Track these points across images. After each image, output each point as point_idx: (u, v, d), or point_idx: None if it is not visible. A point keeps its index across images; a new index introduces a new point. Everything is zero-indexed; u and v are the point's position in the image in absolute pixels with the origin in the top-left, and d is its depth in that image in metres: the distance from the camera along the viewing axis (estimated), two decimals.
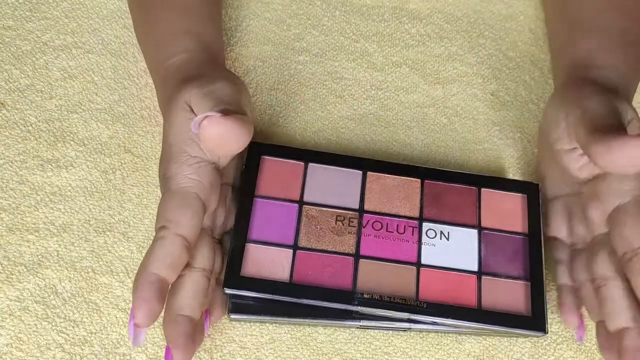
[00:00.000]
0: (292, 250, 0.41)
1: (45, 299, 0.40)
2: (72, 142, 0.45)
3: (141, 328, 0.34)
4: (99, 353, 0.39)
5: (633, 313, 0.37)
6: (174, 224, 0.35)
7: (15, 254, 0.41)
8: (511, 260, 0.42)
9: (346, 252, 0.41)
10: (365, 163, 0.44)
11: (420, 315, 0.39)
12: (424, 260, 0.41)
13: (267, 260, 0.40)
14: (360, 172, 0.44)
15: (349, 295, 0.39)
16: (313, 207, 0.42)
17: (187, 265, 0.37)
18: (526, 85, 0.52)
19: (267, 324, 0.41)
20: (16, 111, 0.45)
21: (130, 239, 0.42)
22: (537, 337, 0.41)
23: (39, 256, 0.41)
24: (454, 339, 0.42)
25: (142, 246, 0.42)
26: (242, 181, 0.42)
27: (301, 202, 0.42)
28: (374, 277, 0.40)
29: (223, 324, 0.41)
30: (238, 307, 0.40)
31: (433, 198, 0.43)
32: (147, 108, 0.47)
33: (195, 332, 0.36)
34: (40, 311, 0.39)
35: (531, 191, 0.44)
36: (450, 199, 0.44)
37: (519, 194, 0.44)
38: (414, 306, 0.39)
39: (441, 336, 0.42)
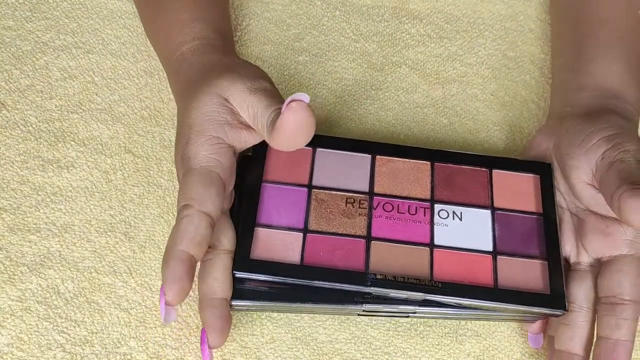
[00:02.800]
0: (302, 234, 0.40)
1: (47, 299, 0.40)
2: (72, 143, 0.45)
3: (172, 306, 0.34)
4: (99, 353, 0.39)
5: (584, 344, 0.39)
6: (198, 202, 0.35)
7: (17, 254, 0.41)
8: (526, 239, 0.41)
9: (357, 234, 0.40)
10: (374, 147, 0.43)
11: (436, 296, 0.38)
12: (437, 241, 0.40)
13: (276, 244, 0.39)
14: (369, 155, 0.43)
15: (361, 276, 0.38)
16: (322, 190, 0.41)
17: (212, 248, 0.37)
18: (526, 85, 0.52)
19: (267, 324, 0.41)
20: (16, 111, 0.45)
21: (131, 239, 0.42)
22: (557, 315, 0.40)
23: (41, 256, 0.41)
24: (454, 339, 0.42)
25: (144, 246, 0.42)
26: (249, 167, 0.41)
27: (310, 186, 0.41)
28: (386, 258, 0.39)
29: None
30: (238, 293, 0.39)
31: (444, 180, 0.43)
32: (147, 108, 0.47)
33: (229, 315, 0.36)
34: (41, 311, 0.39)
35: (544, 171, 0.43)
36: (461, 181, 0.43)
37: (532, 175, 0.43)
38: (429, 286, 0.38)
39: (441, 336, 0.42)
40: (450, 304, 0.39)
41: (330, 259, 0.39)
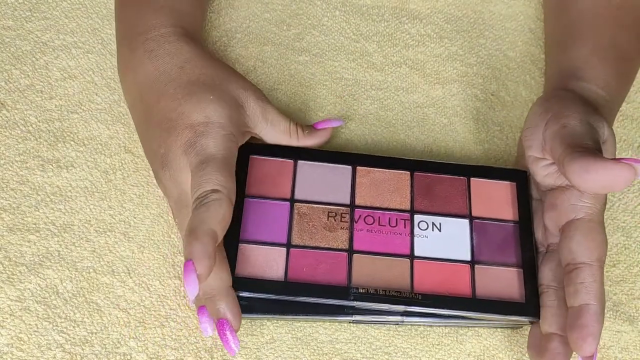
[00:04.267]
0: (285, 249, 0.40)
1: (46, 299, 0.40)
2: (72, 142, 0.45)
3: (199, 282, 0.34)
4: (99, 353, 0.39)
5: (562, 322, 0.38)
6: (227, 189, 0.36)
7: (16, 254, 0.41)
8: (503, 248, 0.42)
9: (339, 247, 0.41)
10: (354, 158, 0.44)
11: (416, 307, 0.39)
12: (417, 252, 0.41)
13: (260, 260, 0.40)
14: (350, 167, 0.44)
15: (344, 290, 0.39)
16: (304, 204, 0.42)
17: (215, 192, 0.37)
18: (526, 85, 0.52)
19: (267, 324, 0.41)
20: (16, 111, 0.45)
21: (131, 239, 0.42)
22: (532, 322, 0.41)
23: (40, 256, 0.41)
24: (455, 338, 0.42)
25: (143, 246, 0.42)
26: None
27: (292, 200, 0.42)
28: (368, 271, 0.40)
29: None
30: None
31: (423, 189, 0.44)
32: None
33: (215, 252, 0.35)
34: (41, 311, 0.39)
35: (520, 179, 0.44)
36: (440, 190, 0.44)
37: (508, 182, 0.44)
38: (410, 298, 0.39)
39: (441, 336, 0.42)
40: (430, 314, 0.41)
41: (314, 273, 0.40)
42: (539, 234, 0.43)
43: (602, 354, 0.42)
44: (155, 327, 0.40)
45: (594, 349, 0.36)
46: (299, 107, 0.49)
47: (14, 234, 0.41)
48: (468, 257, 0.42)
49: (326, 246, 0.41)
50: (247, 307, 0.40)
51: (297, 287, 0.39)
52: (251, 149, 0.43)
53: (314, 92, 0.49)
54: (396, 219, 0.42)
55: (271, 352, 0.40)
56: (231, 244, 0.40)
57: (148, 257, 0.42)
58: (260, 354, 0.40)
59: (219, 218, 0.35)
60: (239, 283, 0.39)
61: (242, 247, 0.40)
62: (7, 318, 0.39)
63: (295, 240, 0.41)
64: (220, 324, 0.37)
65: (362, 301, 0.39)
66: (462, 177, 0.44)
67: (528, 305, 0.40)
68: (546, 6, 0.53)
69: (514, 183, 0.44)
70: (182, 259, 0.42)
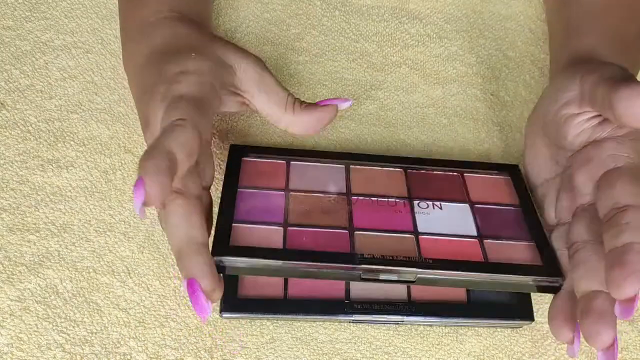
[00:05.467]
0: (282, 228, 0.39)
1: (46, 299, 0.40)
2: (72, 142, 0.45)
3: (149, 201, 0.30)
4: (99, 353, 0.39)
5: (602, 277, 0.34)
6: (193, 120, 0.34)
7: (16, 254, 0.41)
8: (509, 226, 0.42)
9: (339, 225, 0.40)
10: (347, 156, 0.44)
11: (428, 270, 0.37)
12: (420, 228, 0.40)
13: (256, 235, 0.38)
14: (343, 165, 0.44)
15: (349, 256, 0.37)
16: (300, 193, 0.42)
17: (180, 193, 0.35)
18: (526, 85, 0.52)
19: (267, 324, 0.41)
20: (16, 111, 0.45)
21: (131, 239, 0.42)
22: (555, 286, 0.39)
23: (40, 256, 0.41)
24: (454, 338, 0.42)
25: (143, 246, 0.42)
26: (224, 180, 0.41)
27: (287, 190, 0.42)
28: (371, 246, 0.39)
29: (224, 324, 0.41)
30: (230, 306, 0.40)
31: (418, 183, 0.44)
32: None
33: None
34: (41, 311, 0.39)
35: (513, 171, 0.45)
36: (435, 184, 0.44)
37: (502, 176, 0.45)
38: (420, 262, 0.37)
39: (441, 336, 0.42)
40: (443, 281, 0.38)
41: (315, 244, 0.38)
42: (551, 213, 0.42)
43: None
44: (155, 327, 0.40)
45: (636, 289, 0.32)
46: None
47: (14, 234, 0.41)
48: (475, 233, 0.41)
49: (325, 224, 0.39)
50: (247, 307, 0.40)
51: (297, 254, 0.37)
52: (243, 152, 0.43)
53: (314, 92, 0.49)
54: (395, 201, 0.42)
55: (271, 351, 0.40)
56: (224, 223, 0.38)
57: (148, 257, 0.42)
58: (260, 353, 0.40)
59: (179, 140, 0.32)
60: (235, 250, 0.36)
61: (236, 226, 0.38)
62: (7, 318, 0.39)
63: (293, 220, 0.39)
64: (189, 284, 0.33)
65: (370, 264, 0.37)
66: (455, 173, 0.45)
67: (548, 266, 0.39)
68: (547, 2, 0.53)
69: (508, 177, 0.45)
70: None
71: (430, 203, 0.42)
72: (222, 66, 0.40)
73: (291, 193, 0.41)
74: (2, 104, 0.45)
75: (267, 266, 0.36)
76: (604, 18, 0.46)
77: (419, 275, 0.37)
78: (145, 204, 0.30)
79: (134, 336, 0.39)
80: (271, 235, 0.38)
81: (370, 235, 0.39)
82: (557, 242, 0.41)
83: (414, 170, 0.44)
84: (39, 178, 0.43)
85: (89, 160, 0.44)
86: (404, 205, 0.42)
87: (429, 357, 0.41)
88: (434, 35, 0.53)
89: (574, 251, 0.38)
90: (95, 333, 0.39)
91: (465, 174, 0.44)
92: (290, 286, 0.40)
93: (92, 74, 0.47)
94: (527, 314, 0.41)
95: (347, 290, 0.41)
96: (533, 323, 0.42)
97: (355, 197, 0.42)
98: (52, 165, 0.44)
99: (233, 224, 0.39)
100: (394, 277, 0.37)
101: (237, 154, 0.43)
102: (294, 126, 0.42)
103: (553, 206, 0.42)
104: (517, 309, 0.41)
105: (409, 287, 0.41)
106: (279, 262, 0.36)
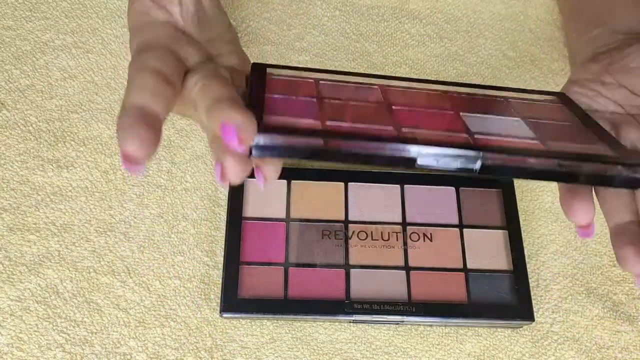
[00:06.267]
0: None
1: (46, 299, 0.40)
2: (72, 142, 0.45)
3: (136, 160, 0.29)
4: (99, 353, 0.39)
5: None
6: (139, 67, 0.32)
7: (16, 254, 0.41)
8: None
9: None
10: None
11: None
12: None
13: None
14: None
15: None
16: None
17: (204, 77, 0.33)
18: (526, 86, 0.52)
19: (267, 324, 0.41)
20: (16, 111, 0.45)
21: (131, 239, 0.42)
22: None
23: (40, 256, 0.41)
24: (455, 338, 0.42)
25: (143, 246, 0.42)
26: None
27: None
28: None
29: (223, 324, 0.41)
30: (230, 306, 0.40)
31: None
32: None
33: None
34: (41, 311, 0.39)
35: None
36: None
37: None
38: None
39: (441, 336, 0.42)
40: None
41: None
42: (632, 137, 0.37)
43: (602, 354, 0.42)
44: (155, 327, 0.40)
45: None
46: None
47: (14, 234, 0.41)
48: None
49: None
50: (247, 307, 0.40)
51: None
52: (265, 69, 0.38)
53: None
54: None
55: (271, 351, 0.40)
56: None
57: (148, 257, 0.42)
58: (260, 353, 0.40)
59: (138, 86, 0.31)
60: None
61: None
62: (7, 318, 0.39)
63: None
64: (222, 126, 0.29)
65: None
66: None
67: (521, 309, 0.42)
68: None
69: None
70: (182, 258, 0.42)
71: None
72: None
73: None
74: (2, 104, 0.45)
75: (307, 145, 0.30)
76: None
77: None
78: (128, 160, 0.29)
79: (134, 336, 0.39)
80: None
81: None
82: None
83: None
84: (39, 178, 0.43)
85: (89, 160, 0.44)
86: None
87: (429, 357, 0.41)
88: (434, 36, 0.53)
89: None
90: (95, 333, 0.39)
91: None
92: (290, 286, 0.41)
93: (92, 74, 0.47)
94: (527, 314, 0.41)
95: (347, 290, 0.41)
96: (533, 323, 0.42)
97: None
98: (52, 165, 0.44)
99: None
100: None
101: (260, 70, 0.36)
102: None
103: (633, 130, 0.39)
104: (517, 309, 0.41)
105: (409, 288, 0.41)
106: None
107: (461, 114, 0.35)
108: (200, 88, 0.32)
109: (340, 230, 0.43)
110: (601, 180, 0.31)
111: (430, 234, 0.44)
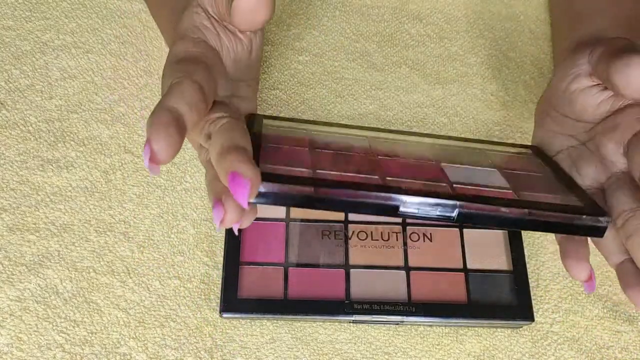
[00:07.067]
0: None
1: (46, 299, 0.40)
2: (72, 142, 0.45)
3: (157, 158, 0.30)
4: (99, 353, 0.39)
5: None
6: (188, 73, 0.33)
7: (16, 254, 0.41)
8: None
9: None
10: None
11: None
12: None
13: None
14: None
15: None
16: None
17: (221, 118, 0.34)
18: (526, 86, 0.52)
19: (267, 324, 0.41)
20: (16, 111, 0.45)
21: (130, 239, 0.42)
22: (602, 226, 0.37)
23: (40, 256, 0.41)
24: (455, 338, 0.42)
25: (143, 246, 0.42)
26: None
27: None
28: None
29: (223, 324, 0.41)
30: (230, 306, 0.40)
31: (447, 154, 0.43)
32: (147, 108, 0.47)
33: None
34: (41, 311, 0.39)
35: (534, 149, 0.44)
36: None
37: (525, 154, 0.44)
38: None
39: (441, 336, 0.42)
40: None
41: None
42: (589, 172, 0.40)
43: (602, 354, 0.42)
44: (155, 327, 0.40)
45: None
46: (298, 106, 0.49)
47: (14, 234, 0.41)
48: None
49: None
50: (247, 307, 0.40)
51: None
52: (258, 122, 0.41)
53: (314, 92, 0.49)
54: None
55: (271, 351, 0.40)
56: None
57: (147, 257, 0.42)
58: (260, 353, 0.40)
59: (178, 94, 0.32)
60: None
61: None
62: (7, 318, 0.39)
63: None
64: (231, 176, 0.30)
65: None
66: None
67: (521, 309, 0.41)
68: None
69: (532, 154, 0.44)
70: (182, 258, 0.42)
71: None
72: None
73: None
74: (2, 104, 0.45)
75: (299, 194, 0.33)
76: (616, 5, 0.46)
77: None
78: (153, 160, 0.30)
79: (134, 336, 0.39)
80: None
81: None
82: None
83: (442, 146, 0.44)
84: (39, 178, 0.43)
85: (89, 160, 0.44)
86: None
87: (429, 357, 0.41)
88: (434, 36, 0.53)
89: (623, 220, 0.37)
90: (95, 333, 0.39)
91: (487, 151, 0.44)
92: (290, 286, 0.41)
93: (92, 74, 0.47)
94: (527, 314, 0.41)
95: (347, 291, 0.41)
96: (533, 323, 0.42)
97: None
98: (52, 165, 0.44)
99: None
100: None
101: (256, 121, 0.40)
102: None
103: (571, 172, 0.41)
104: (517, 309, 0.41)
105: (409, 288, 0.41)
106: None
107: (442, 164, 0.38)
108: (223, 125, 0.33)
109: (340, 230, 0.43)
110: (568, 230, 0.35)
111: (430, 234, 0.43)
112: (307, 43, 0.51)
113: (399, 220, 0.44)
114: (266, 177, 0.32)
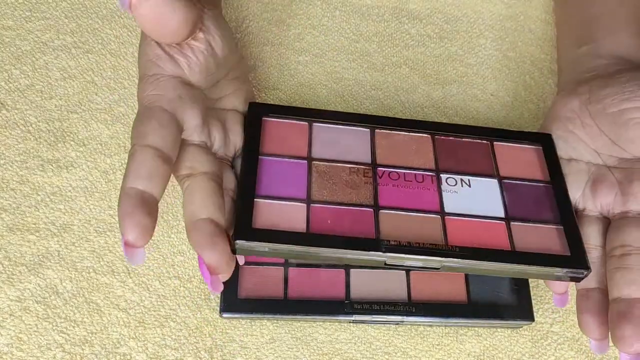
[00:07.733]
0: (305, 205, 0.37)
1: (46, 299, 0.40)
2: (72, 142, 0.45)
3: (135, 247, 0.31)
4: (99, 353, 0.39)
5: None
6: (140, 138, 0.33)
7: (16, 254, 0.41)
8: (538, 206, 0.40)
9: (364, 203, 0.38)
10: (372, 119, 0.42)
11: (455, 259, 0.36)
12: (447, 209, 0.39)
13: (279, 214, 0.36)
14: (368, 129, 0.42)
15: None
16: (323, 162, 0.40)
17: (189, 176, 0.35)
18: (526, 86, 0.52)
19: (267, 324, 0.41)
20: (16, 111, 0.45)
21: None
22: (580, 277, 0.38)
23: (40, 256, 0.41)
24: (455, 338, 0.42)
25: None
26: (244, 142, 0.40)
27: (309, 159, 0.40)
28: (397, 227, 0.37)
29: (223, 324, 0.41)
30: (230, 306, 0.40)
31: (446, 151, 0.42)
32: None
33: (220, 232, 0.33)
34: (41, 311, 0.39)
35: (545, 142, 0.43)
36: (463, 153, 0.42)
37: (533, 146, 0.43)
38: (446, 250, 0.36)
39: (441, 336, 0.42)
40: (467, 269, 0.37)
41: (339, 227, 0.37)
42: (573, 194, 0.41)
43: (602, 354, 0.42)
44: (155, 327, 0.40)
45: None
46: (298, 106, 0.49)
47: (14, 234, 0.41)
48: (502, 214, 0.39)
49: (349, 202, 0.38)
50: (247, 307, 0.40)
51: (320, 239, 0.35)
52: (263, 110, 0.41)
53: (314, 92, 0.49)
54: (422, 176, 0.40)
55: (271, 351, 0.40)
56: (246, 199, 0.36)
57: (148, 257, 0.42)
58: (260, 353, 0.40)
59: (135, 170, 0.32)
60: (258, 234, 0.35)
61: (259, 202, 0.37)
62: (7, 318, 0.39)
63: (316, 196, 0.38)
64: (200, 261, 0.33)
65: (395, 253, 0.36)
66: (484, 141, 0.43)
67: (575, 257, 0.38)
68: (558, 8, 0.53)
69: (540, 147, 0.43)
70: (182, 258, 0.42)
71: (458, 179, 0.40)
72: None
73: (313, 162, 0.40)
74: (2, 104, 0.45)
75: (290, 251, 0.35)
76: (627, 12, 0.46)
77: (444, 264, 0.36)
78: (130, 246, 0.31)
79: (134, 336, 0.39)
80: (295, 213, 0.37)
81: (395, 214, 0.38)
82: (589, 234, 0.40)
83: (442, 137, 0.42)
84: (39, 178, 0.43)
85: (89, 160, 0.44)
86: (431, 181, 0.40)
87: (429, 358, 0.41)
88: (434, 36, 0.53)
89: (621, 253, 0.37)
90: (95, 333, 0.39)
91: (495, 143, 0.43)
92: (290, 286, 0.40)
93: (92, 74, 0.47)
94: (527, 314, 0.41)
95: (347, 291, 0.41)
96: (533, 323, 0.42)
97: (382, 170, 0.40)
98: (52, 165, 0.44)
99: (255, 200, 0.37)
100: (419, 264, 0.36)
101: (257, 112, 0.40)
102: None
103: (579, 189, 0.41)
104: (517, 309, 0.41)
105: (409, 288, 0.41)
106: (303, 248, 0.35)
107: (441, 179, 0.40)
108: (188, 187, 0.35)
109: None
110: (547, 278, 0.38)
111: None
112: (307, 43, 0.51)
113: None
114: (258, 236, 0.35)
